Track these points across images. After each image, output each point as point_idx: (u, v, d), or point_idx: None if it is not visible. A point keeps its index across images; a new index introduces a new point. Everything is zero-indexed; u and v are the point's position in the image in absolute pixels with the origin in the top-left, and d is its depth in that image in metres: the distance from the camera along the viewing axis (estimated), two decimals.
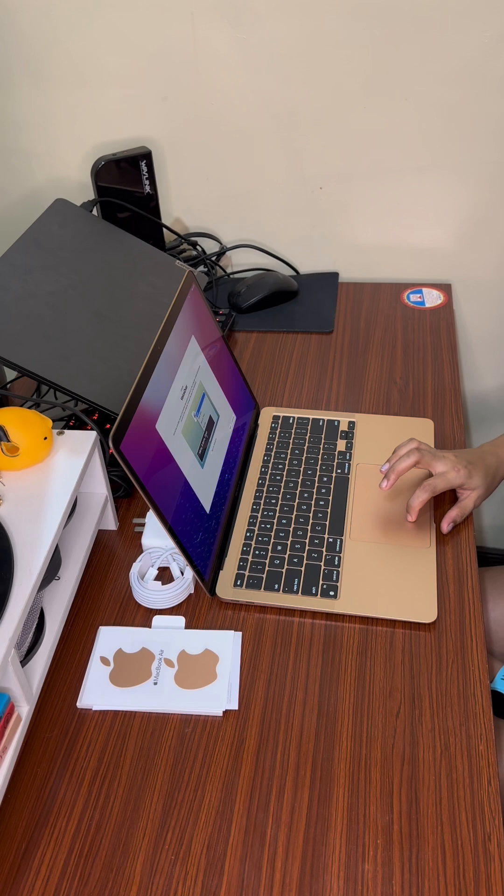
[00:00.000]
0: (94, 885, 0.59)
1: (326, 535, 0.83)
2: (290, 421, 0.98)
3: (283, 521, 0.85)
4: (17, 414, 0.76)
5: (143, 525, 0.86)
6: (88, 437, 0.80)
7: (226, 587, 0.79)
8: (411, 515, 0.82)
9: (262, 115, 1.17)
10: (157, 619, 0.77)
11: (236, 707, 0.69)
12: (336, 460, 0.92)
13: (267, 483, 0.90)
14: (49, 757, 0.67)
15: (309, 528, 0.84)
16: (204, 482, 0.81)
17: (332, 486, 0.89)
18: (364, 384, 1.07)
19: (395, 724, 0.67)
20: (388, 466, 0.83)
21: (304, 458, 0.92)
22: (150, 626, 0.77)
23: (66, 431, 0.80)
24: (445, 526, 0.82)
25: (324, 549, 0.82)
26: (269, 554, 0.81)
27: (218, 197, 1.27)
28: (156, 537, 0.82)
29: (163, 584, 0.80)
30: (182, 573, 0.80)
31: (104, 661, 0.73)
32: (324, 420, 0.98)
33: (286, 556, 0.81)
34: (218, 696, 0.70)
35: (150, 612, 0.78)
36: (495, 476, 0.86)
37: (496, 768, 0.64)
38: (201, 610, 0.78)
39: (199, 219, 1.30)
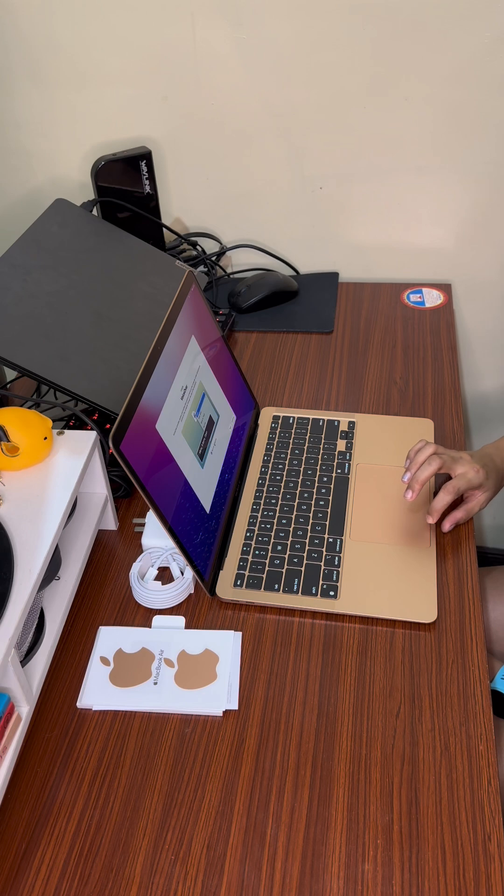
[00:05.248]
0: (94, 885, 0.59)
1: (326, 535, 0.83)
2: (290, 421, 0.98)
3: (283, 521, 0.85)
4: (17, 414, 0.76)
5: (143, 525, 0.86)
6: (88, 437, 0.80)
7: (226, 587, 0.79)
8: (432, 517, 0.80)
9: (262, 115, 1.17)
10: (157, 619, 0.77)
11: (236, 707, 0.69)
12: (336, 460, 0.92)
13: (267, 483, 0.90)
14: (49, 757, 0.67)
15: (309, 528, 0.84)
16: (204, 482, 0.81)
17: (332, 486, 0.89)
18: (364, 384, 1.07)
19: (395, 724, 0.67)
20: (409, 476, 0.81)
21: (304, 458, 0.92)
22: (150, 626, 0.77)
23: (66, 431, 0.80)
24: (448, 525, 0.82)
25: (324, 549, 0.82)
26: (269, 554, 0.81)
27: (218, 197, 1.27)
28: (156, 537, 0.82)
29: (163, 584, 0.80)
30: (182, 573, 0.80)
31: (104, 661, 0.73)
32: (324, 420, 0.98)
33: (286, 556, 0.81)
34: (218, 696, 0.70)
35: (150, 612, 0.78)
36: (501, 478, 0.86)
37: (496, 768, 0.64)
38: (201, 610, 0.78)
39: (199, 219, 1.30)
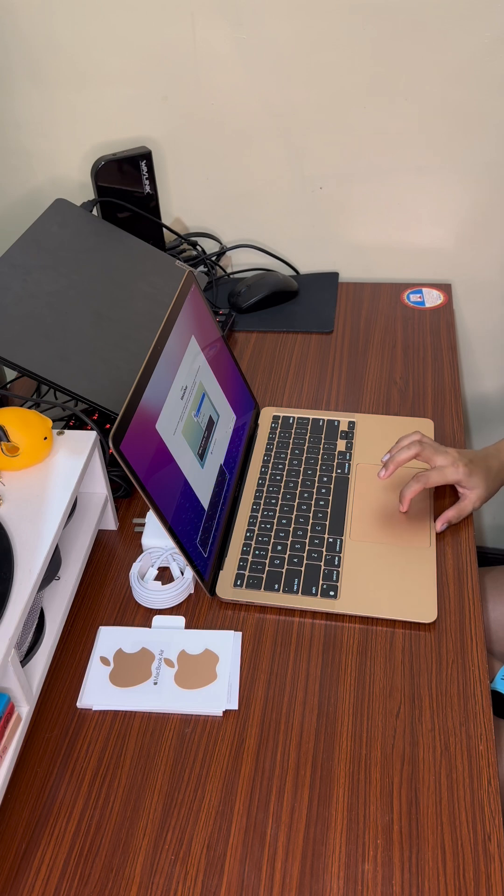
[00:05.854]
0: (94, 885, 0.59)
1: (326, 535, 0.83)
2: (290, 421, 0.98)
3: (283, 521, 0.85)
4: (17, 414, 0.76)
5: (143, 525, 0.86)
6: (88, 437, 0.80)
7: (226, 587, 0.79)
8: (402, 505, 0.83)
9: (262, 115, 1.17)
10: (157, 619, 0.77)
11: (236, 707, 0.69)
12: (336, 460, 0.92)
13: (267, 483, 0.90)
14: (49, 757, 0.67)
15: (309, 528, 0.84)
16: (204, 482, 0.81)
17: (332, 486, 0.89)
18: (364, 384, 1.07)
19: (395, 724, 0.67)
20: (388, 456, 0.84)
21: (304, 458, 0.92)
22: (150, 626, 0.77)
23: (66, 431, 0.80)
24: (440, 525, 0.82)
25: (324, 549, 0.82)
26: (269, 554, 0.81)
27: (218, 197, 1.27)
28: (156, 537, 0.82)
29: (163, 584, 0.80)
30: (182, 573, 0.80)
31: (104, 661, 0.73)
32: (324, 420, 0.98)
33: (286, 556, 0.81)
34: (218, 696, 0.70)
35: (150, 612, 0.78)
36: (496, 479, 0.86)
37: (496, 768, 0.64)
38: (201, 610, 0.78)
39: (199, 219, 1.30)
